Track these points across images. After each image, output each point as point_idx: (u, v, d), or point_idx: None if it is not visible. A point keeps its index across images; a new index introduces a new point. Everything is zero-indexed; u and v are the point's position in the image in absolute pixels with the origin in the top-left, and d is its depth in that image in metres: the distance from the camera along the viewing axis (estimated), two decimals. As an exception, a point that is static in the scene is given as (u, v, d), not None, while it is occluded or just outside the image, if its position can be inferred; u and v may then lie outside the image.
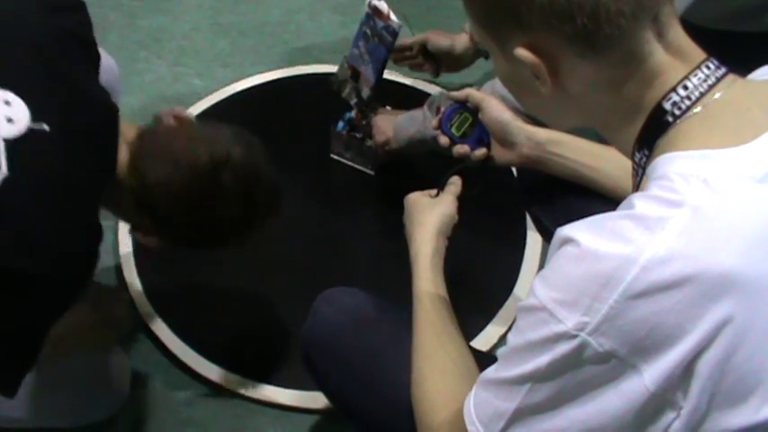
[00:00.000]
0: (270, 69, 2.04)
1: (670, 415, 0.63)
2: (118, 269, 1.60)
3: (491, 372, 0.73)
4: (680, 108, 0.67)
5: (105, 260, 1.62)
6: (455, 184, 1.13)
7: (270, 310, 1.54)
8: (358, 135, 1.72)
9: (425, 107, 1.51)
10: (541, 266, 1.55)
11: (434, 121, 1.21)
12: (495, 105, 1.16)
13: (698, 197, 0.61)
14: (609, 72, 0.68)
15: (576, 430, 0.66)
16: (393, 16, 1.49)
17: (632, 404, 0.63)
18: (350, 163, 1.78)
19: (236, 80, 2.00)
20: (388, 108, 1.71)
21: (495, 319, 1.53)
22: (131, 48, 2.11)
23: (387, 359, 1.00)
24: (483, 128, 1.17)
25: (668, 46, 0.67)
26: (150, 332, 1.50)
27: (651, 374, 0.61)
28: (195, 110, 1.91)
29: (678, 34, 0.68)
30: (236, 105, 1.94)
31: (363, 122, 1.70)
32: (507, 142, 1.16)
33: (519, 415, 0.69)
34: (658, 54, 0.67)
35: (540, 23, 0.66)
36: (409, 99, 1.77)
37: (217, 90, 1.97)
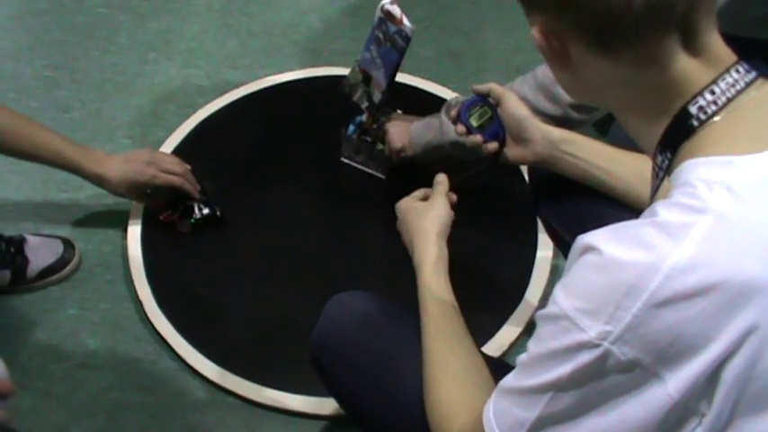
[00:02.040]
0: (280, 71, 2.03)
1: (692, 423, 0.62)
2: (127, 273, 1.60)
3: (510, 380, 0.72)
4: (705, 113, 0.65)
5: (115, 265, 1.62)
6: (442, 183, 1.15)
7: (279, 314, 1.53)
8: (369, 139, 1.71)
9: (442, 113, 1.50)
10: (553, 270, 1.57)
11: (453, 111, 1.24)
12: (515, 101, 1.18)
13: (721, 204, 0.61)
14: (625, 72, 0.67)
15: None
16: (406, 21, 1.48)
17: (655, 414, 0.62)
18: (360, 167, 1.77)
19: (246, 82, 1.99)
20: (399, 112, 1.70)
21: (507, 324, 1.51)
22: (140, 49, 2.10)
23: (398, 363, 0.99)
24: (500, 124, 1.20)
25: (696, 51, 0.66)
26: (159, 336, 1.50)
27: (675, 383, 0.61)
28: (204, 112, 1.91)
29: (711, 39, 0.66)
30: (245, 107, 1.93)
31: (374, 126, 1.69)
32: (522, 139, 1.17)
33: (540, 424, 0.68)
34: (682, 60, 0.66)
35: (555, 9, 0.66)
36: (421, 103, 1.77)
37: (226, 92, 1.96)
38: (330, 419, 1.40)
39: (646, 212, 0.65)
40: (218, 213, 1.65)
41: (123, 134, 1.89)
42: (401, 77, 1.74)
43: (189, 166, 1.65)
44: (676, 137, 0.67)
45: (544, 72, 1.42)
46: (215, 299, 1.56)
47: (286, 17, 2.23)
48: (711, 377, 0.60)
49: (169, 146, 1.82)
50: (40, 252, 1.57)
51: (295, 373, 1.43)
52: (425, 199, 1.15)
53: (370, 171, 1.76)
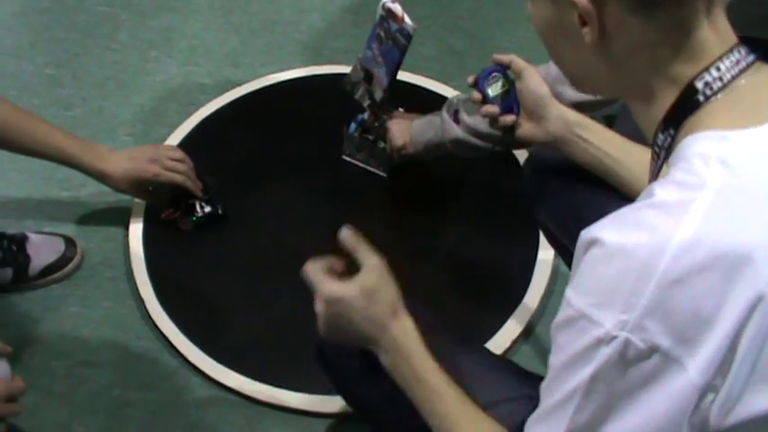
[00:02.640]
0: (281, 69, 2.03)
1: (710, 397, 0.62)
2: (129, 271, 1.60)
3: (537, 410, 0.72)
4: (711, 89, 0.66)
5: (117, 263, 1.62)
6: (360, 245, 0.98)
7: (280, 312, 1.53)
8: (370, 137, 1.71)
9: (444, 111, 1.50)
10: (554, 270, 1.57)
11: (470, 78, 1.21)
12: (536, 77, 1.17)
13: (717, 178, 0.61)
14: (654, 35, 0.67)
15: None
16: (407, 19, 1.48)
17: (680, 402, 0.62)
18: (362, 165, 1.77)
19: (248, 80, 1.99)
20: (401, 110, 1.70)
21: (508, 323, 1.51)
22: (142, 47, 2.10)
23: None
24: (516, 100, 1.18)
25: (712, 23, 0.67)
26: (160, 334, 1.50)
27: (696, 365, 0.60)
28: (206, 110, 1.91)
29: (721, 13, 0.68)
30: (247, 106, 1.93)
31: (376, 124, 1.69)
32: (537, 116, 1.16)
33: None
34: (704, 29, 0.67)
35: None
36: (422, 101, 1.76)
37: (228, 90, 1.96)
38: (331, 417, 1.40)
39: (643, 194, 0.66)
40: (219, 211, 1.65)
41: (125, 132, 1.89)
42: (403, 75, 1.74)
43: (192, 164, 1.65)
44: (682, 112, 0.68)
45: (546, 71, 1.42)
46: (216, 297, 1.56)
47: (287, 15, 2.23)
48: (728, 351, 0.60)
49: (171, 144, 1.81)
50: (42, 250, 1.57)
51: (296, 371, 1.44)
52: (344, 271, 0.97)
53: (371, 169, 1.76)
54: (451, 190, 1.75)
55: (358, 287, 0.91)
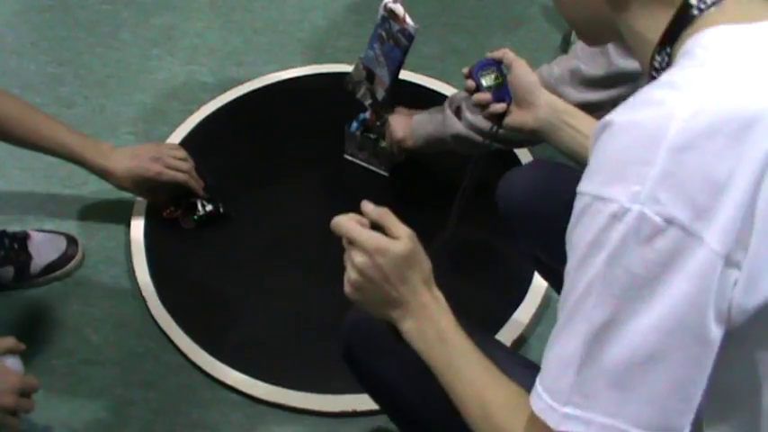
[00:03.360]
0: (283, 68, 2.03)
1: (733, 276, 0.60)
2: (130, 269, 1.60)
3: (553, 329, 0.67)
4: (705, 2, 0.67)
5: (118, 261, 1.63)
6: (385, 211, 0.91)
7: (282, 311, 1.53)
8: (372, 136, 1.71)
9: (446, 106, 1.51)
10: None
11: (465, 69, 1.25)
12: (525, 67, 1.20)
13: (720, 57, 0.63)
14: None
15: (653, 341, 0.61)
16: (409, 20, 1.48)
17: (703, 280, 0.59)
18: (363, 164, 1.77)
19: (250, 79, 2.00)
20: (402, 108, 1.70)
21: (513, 317, 1.52)
22: (144, 45, 2.10)
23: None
24: (508, 92, 1.21)
25: None
26: (162, 332, 1.50)
27: (714, 234, 0.59)
28: (208, 109, 1.91)
29: None
30: (249, 104, 1.94)
31: (377, 123, 1.69)
32: (526, 103, 1.18)
33: (587, 350, 0.63)
34: None
35: None
36: (424, 100, 1.76)
37: (230, 89, 1.97)
38: (333, 416, 1.40)
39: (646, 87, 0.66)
40: (221, 210, 1.65)
41: (127, 130, 1.89)
42: (405, 75, 1.74)
43: (193, 163, 1.65)
44: (677, 28, 0.69)
45: (549, 71, 1.43)
46: (218, 295, 1.56)
47: (289, 14, 2.23)
48: (746, 217, 0.59)
49: (173, 142, 1.82)
50: (44, 248, 1.57)
51: (298, 370, 1.44)
52: (376, 227, 0.90)
53: (373, 168, 1.76)
54: (452, 190, 1.75)
55: (402, 246, 0.85)
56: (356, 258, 0.87)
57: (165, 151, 1.62)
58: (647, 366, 0.61)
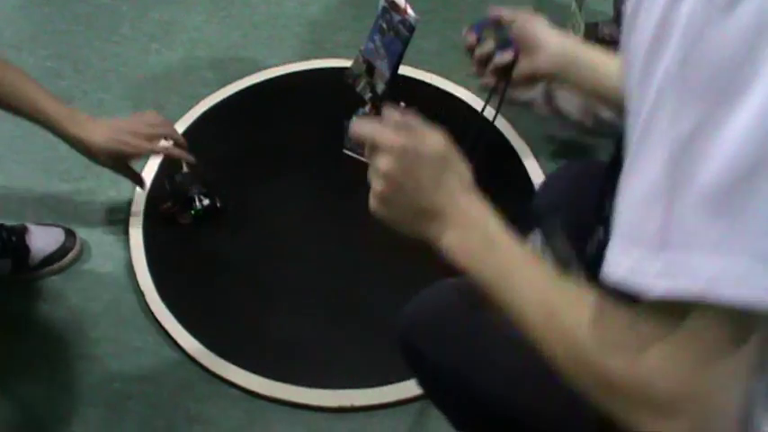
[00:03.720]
0: (283, 63, 2.02)
1: None
2: (128, 263, 1.59)
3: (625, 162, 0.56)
4: None
5: (116, 256, 1.62)
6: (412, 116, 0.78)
7: (281, 307, 1.53)
8: (371, 130, 1.71)
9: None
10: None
11: (466, 29, 1.18)
12: (526, 15, 1.12)
13: None
14: None
15: (753, 147, 0.48)
16: (410, 10, 1.47)
17: None
18: (363, 158, 1.76)
19: (249, 73, 1.99)
20: (403, 105, 1.69)
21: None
22: (143, 39, 2.10)
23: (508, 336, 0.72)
24: (512, 42, 1.14)
25: None
26: (160, 326, 1.49)
27: None
28: (207, 103, 1.90)
29: None
30: (248, 99, 1.93)
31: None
32: (536, 47, 1.09)
33: (672, 178, 0.50)
34: None
35: None
36: (424, 96, 1.76)
37: (229, 83, 1.96)
38: (331, 411, 1.40)
39: None
40: (218, 204, 1.65)
41: (125, 125, 1.88)
42: (404, 70, 1.73)
43: (174, 126, 1.58)
44: None
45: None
46: (217, 289, 1.56)
47: (288, 8, 2.22)
48: None
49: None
50: (41, 241, 1.57)
51: (297, 365, 1.44)
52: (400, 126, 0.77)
53: (372, 163, 1.75)
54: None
55: (434, 143, 0.73)
56: (382, 164, 0.74)
57: (144, 125, 1.52)
58: (753, 180, 0.49)
